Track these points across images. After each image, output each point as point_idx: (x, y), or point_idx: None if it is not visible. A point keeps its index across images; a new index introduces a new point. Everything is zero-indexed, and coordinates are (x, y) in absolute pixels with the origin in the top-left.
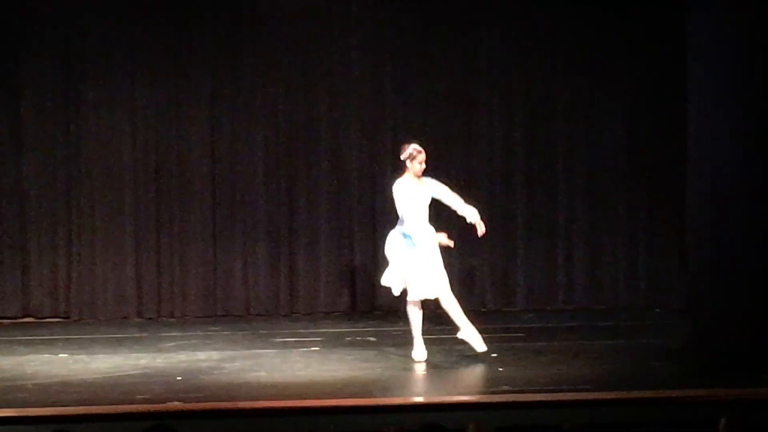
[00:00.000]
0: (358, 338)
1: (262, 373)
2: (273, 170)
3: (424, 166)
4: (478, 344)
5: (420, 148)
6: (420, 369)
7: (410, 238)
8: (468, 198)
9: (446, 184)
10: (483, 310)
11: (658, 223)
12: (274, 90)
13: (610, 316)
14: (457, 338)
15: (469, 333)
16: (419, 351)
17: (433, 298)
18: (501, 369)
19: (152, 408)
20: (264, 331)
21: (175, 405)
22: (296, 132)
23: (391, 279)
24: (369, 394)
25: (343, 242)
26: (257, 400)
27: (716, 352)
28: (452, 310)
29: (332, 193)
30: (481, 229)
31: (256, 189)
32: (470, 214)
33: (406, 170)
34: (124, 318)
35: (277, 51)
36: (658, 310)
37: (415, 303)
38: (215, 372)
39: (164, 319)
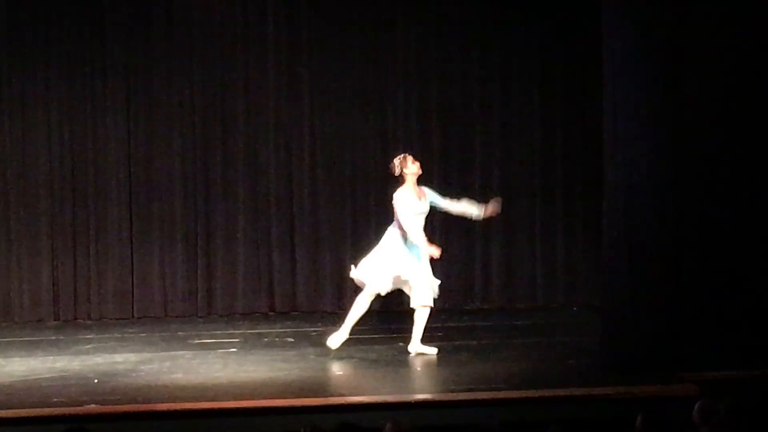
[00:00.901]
0: (276, 339)
1: (180, 375)
2: (189, 171)
3: (417, 164)
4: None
5: (404, 155)
6: (337, 370)
7: (417, 249)
8: (385, 195)
9: (365, 181)
10: (399, 310)
11: (575, 221)
12: (190, 90)
13: (527, 315)
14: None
15: (421, 349)
16: (339, 339)
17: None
18: (418, 369)
19: (69, 411)
20: (181, 333)
21: (92, 408)
22: (212, 132)
23: (372, 274)
24: (286, 395)
25: (261, 243)
26: (175, 402)
27: (632, 350)
28: (422, 323)
29: (249, 193)
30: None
31: (173, 190)
32: (480, 209)
33: (405, 181)
34: (40, 321)
35: (192, 50)
36: (574, 308)
37: (370, 297)
38: (132, 374)
39: (81, 321)
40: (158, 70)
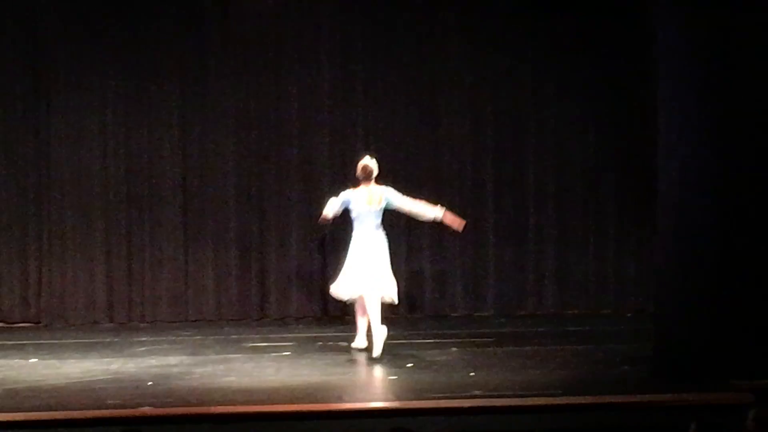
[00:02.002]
0: (329, 343)
1: (233, 378)
2: (244, 175)
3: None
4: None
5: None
6: (390, 374)
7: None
8: (439, 199)
9: (418, 185)
10: (454, 314)
11: (627, 228)
12: (245, 95)
13: (579, 321)
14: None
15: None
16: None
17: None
18: (472, 374)
19: (123, 413)
20: (235, 336)
21: (146, 410)
22: (267, 137)
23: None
24: (339, 399)
25: (314, 246)
26: (228, 404)
27: (685, 357)
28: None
29: (302, 197)
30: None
31: (227, 194)
32: (436, 212)
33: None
34: (95, 323)
35: (246, 57)
36: (628, 314)
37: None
38: (186, 377)
39: (135, 323)
40: (212, 75)
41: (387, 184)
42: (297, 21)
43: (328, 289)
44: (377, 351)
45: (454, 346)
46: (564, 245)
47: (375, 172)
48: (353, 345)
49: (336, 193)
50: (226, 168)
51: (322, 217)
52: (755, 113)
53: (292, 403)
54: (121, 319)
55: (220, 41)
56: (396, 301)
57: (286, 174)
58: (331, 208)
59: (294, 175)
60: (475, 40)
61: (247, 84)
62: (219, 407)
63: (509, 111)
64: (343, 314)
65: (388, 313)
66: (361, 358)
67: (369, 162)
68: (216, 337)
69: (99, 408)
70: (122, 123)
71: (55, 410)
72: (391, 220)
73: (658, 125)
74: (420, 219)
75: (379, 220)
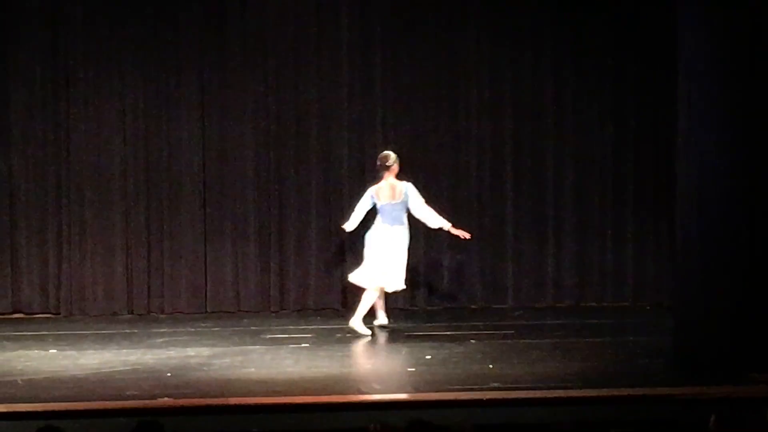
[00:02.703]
0: (347, 335)
1: (252, 370)
2: (263, 167)
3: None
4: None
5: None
6: (409, 366)
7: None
8: (457, 196)
9: (436, 179)
10: (473, 307)
11: (646, 221)
12: (264, 87)
13: (598, 314)
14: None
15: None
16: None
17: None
18: (491, 366)
19: (142, 404)
20: (254, 328)
21: (165, 401)
22: (286, 129)
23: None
24: (357, 391)
25: (333, 239)
26: (247, 396)
27: (704, 350)
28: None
29: (322, 189)
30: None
31: (246, 185)
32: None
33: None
34: (114, 314)
35: (265, 48)
36: (647, 307)
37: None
38: (205, 368)
39: (154, 315)
40: (232, 66)
41: (408, 180)
42: (317, 13)
43: (347, 281)
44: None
45: (473, 339)
46: (583, 238)
47: (392, 165)
48: (376, 323)
49: (356, 191)
50: (245, 160)
51: (347, 225)
52: None
53: (310, 394)
54: (140, 310)
55: (240, 33)
56: (402, 287)
57: (305, 167)
58: (358, 217)
59: (313, 167)
60: (495, 34)
61: (266, 76)
62: (237, 398)
63: (529, 105)
64: None
65: (407, 305)
66: (381, 349)
67: (387, 153)
68: (234, 328)
69: (118, 399)
70: (142, 115)
71: (74, 401)
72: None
73: (677, 119)
74: (426, 224)
75: (403, 214)
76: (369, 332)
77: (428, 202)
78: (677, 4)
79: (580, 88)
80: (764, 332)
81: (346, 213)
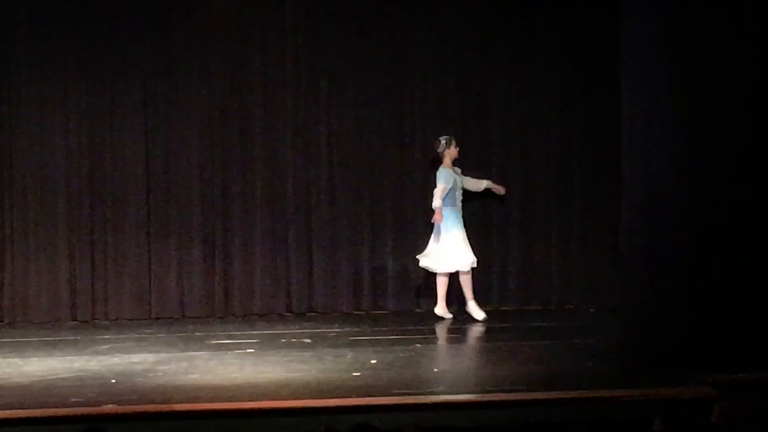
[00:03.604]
0: (293, 340)
1: (197, 375)
2: (207, 172)
3: (457, 149)
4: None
5: (451, 137)
6: (354, 371)
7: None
8: (403, 198)
9: (381, 182)
10: (418, 310)
11: (592, 223)
12: (208, 90)
13: (544, 317)
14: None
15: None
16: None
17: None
18: (436, 370)
19: (86, 411)
20: (198, 333)
21: (110, 408)
22: (230, 133)
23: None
24: (303, 396)
25: (278, 243)
26: (192, 402)
27: (650, 352)
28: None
29: (266, 193)
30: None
31: (191, 190)
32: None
33: (443, 161)
34: (58, 321)
35: (210, 51)
36: (591, 310)
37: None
38: (150, 374)
39: (98, 321)
40: (176, 70)
41: (353, 184)
42: (261, 18)
43: (292, 286)
44: (481, 314)
45: (418, 343)
46: (528, 241)
47: (439, 150)
48: (439, 312)
49: (300, 196)
50: (190, 165)
51: (438, 207)
52: (722, 104)
53: (256, 400)
54: (85, 317)
55: (184, 38)
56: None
57: (250, 171)
58: (443, 194)
59: (258, 172)
60: (441, 37)
61: (211, 81)
62: (182, 404)
63: (474, 108)
64: (307, 311)
65: (352, 309)
66: (326, 354)
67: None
68: (180, 334)
69: (62, 406)
70: (86, 120)
71: (18, 408)
72: (349, 217)
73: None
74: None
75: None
76: (450, 315)
77: (372, 205)
78: (622, 6)
79: (526, 91)
80: (711, 333)
81: (290, 216)
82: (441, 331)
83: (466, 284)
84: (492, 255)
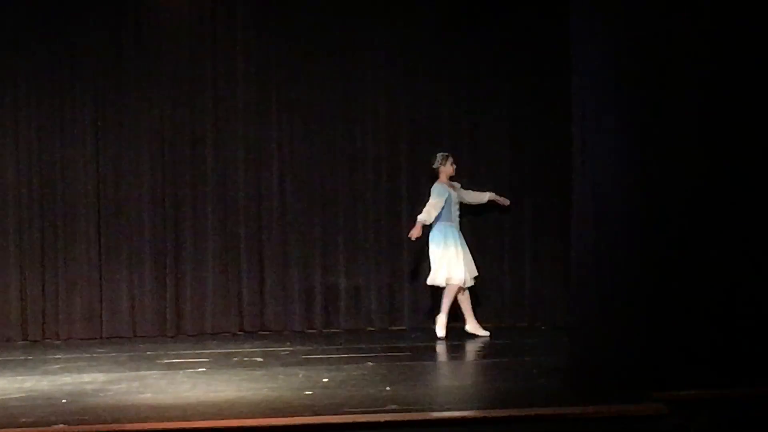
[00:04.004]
0: (245, 359)
1: (149, 395)
2: (158, 191)
3: (454, 166)
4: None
5: (448, 155)
6: (306, 389)
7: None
8: (355, 216)
9: (333, 201)
10: (370, 329)
11: (543, 242)
12: (159, 110)
13: (495, 334)
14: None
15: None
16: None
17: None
18: (388, 388)
19: (37, 431)
20: (150, 353)
21: (60, 428)
22: (181, 153)
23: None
24: (255, 415)
25: (229, 262)
26: (143, 421)
27: (601, 369)
28: (444, 299)
29: (217, 213)
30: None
31: (142, 210)
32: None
33: (439, 177)
34: (8, 340)
35: (160, 71)
36: (543, 327)
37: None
38: (101, 394)
39: (49, 341)
40: (127, 90)
41: (303, 204)
42: (213, 36)
43: (243, 305)
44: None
45: (370, 361)
46: (480, 259)
47: (434, 166)
48: (472, 330)
49: (252, 214)
50: (140, 184)
51: (421, 220)
52: (672, 116)
53: (207, 419)
54: (35, 336)
55: (135, 56)
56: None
57: (201, 190)
58: (436, 209)
59: (209, 191)
60: (391, 58)
61: (161, 99)
62: (133, 424)
63: (425, 127)
64: (259, 330)
65: (304, 328)
66: (278, 372)
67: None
68: (131, 354)
69: (12, 426)
70: (36, 138)
71: None
72: (301, 236)
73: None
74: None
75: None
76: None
77: (324, 224)
78: (570, 17)
79: (476, 109)
80: (662, 350)
81: (241, 236)
82: (391, 349)
83: (449, 298)
84: None
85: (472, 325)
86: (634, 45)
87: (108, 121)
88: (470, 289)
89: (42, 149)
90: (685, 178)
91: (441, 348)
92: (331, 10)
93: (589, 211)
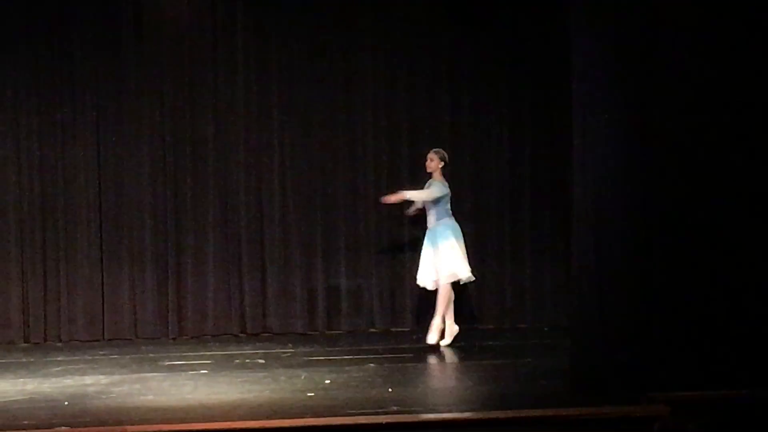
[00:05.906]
0: (246, 361)
1: (150, 397)
2: (159, 193)
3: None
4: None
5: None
6: (308, 391)
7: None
8: (356, 217)
9: (334, 202)
10: (372, 330)
11: (544, 243)
12: (159, 113)
13: (496, 336)
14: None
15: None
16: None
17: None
18: (390, 390)
19: None
20: (152, 355)
21: (62, 430)
22: (182, 155)
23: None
24: (257, 417)
25: (231, 264)
26: (145, 423)
27: (601, 370)
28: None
29: (219, 215)
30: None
31: (143, 212)
32: None
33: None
34: (10, 343)
35: (161, 75)
36: (545, 329)
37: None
38: (102, 396)
39: (51, 343)
40: (127, 94)
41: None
42: (213, 38)
43: (245, 306)
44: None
45: (372, 362)
46: (480, 259)
47: (428, 164)
48: (444, 342)
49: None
50: (141, 187)
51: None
52: (674, 122)
53: (209, 421)
54: (37, 338)
55: (136, 59)
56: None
57: (202, 193)
58: (429, 196)
59: (210, 193)
60: (391, 58)
61: (162, 103)
62: (135, 426)
63: (425, 126)
64: (261, 332)
65: (306, 330)
66: (280, 374)
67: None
68: (132, 356)
69: (14, 429)
70: (37, 141)
71: None
72: (302, 237)
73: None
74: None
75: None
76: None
77: (325, 226)
78: (571, 17)
79: (476, 108)
80: (663, 351)
81: (243, 238)
82: (393, 351)
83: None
84: None
85: (435, 323)
86: (634, 45)
87: (108, 124)
88: (470, 289)
89: (42, 151)
90: (685, 178)
91: (443, 349)
92: (330, 10)
93: (589, 211)
